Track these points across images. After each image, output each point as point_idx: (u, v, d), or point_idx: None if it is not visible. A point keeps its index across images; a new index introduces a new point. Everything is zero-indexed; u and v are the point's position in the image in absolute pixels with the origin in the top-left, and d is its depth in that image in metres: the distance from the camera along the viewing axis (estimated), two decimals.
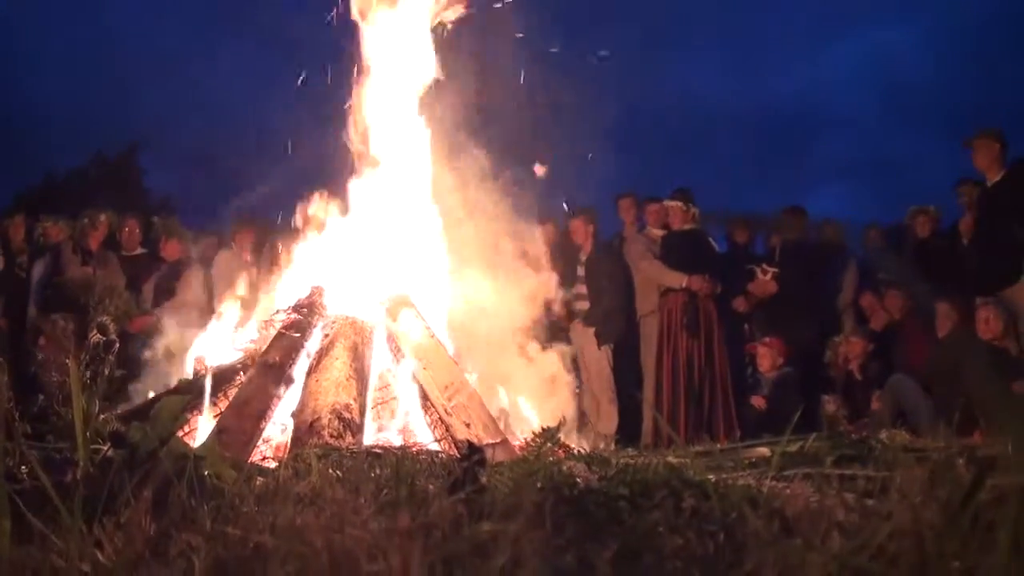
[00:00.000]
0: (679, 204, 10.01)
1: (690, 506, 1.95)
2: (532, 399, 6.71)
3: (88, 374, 3.04)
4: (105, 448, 2.72)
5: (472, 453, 2.18)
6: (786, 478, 2.78)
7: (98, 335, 3.12)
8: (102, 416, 3.19)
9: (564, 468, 2.42)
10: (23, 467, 3.25)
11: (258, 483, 2.67)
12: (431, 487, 2.15)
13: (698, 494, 2.01)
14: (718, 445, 5.66)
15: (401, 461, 2.42)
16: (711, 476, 2.46)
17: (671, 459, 3.05)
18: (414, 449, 4.18)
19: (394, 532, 1.48)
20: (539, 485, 2.09)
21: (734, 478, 2.54)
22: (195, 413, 5.27)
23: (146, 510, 1.91)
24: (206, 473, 2.62)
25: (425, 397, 5.68)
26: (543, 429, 2.60)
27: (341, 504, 1.77)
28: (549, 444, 2.54)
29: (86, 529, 1.83)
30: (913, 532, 1.60)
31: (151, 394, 6.08)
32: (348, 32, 7.05)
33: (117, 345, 3.16)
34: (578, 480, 2.17)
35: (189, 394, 5.37)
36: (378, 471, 2.62)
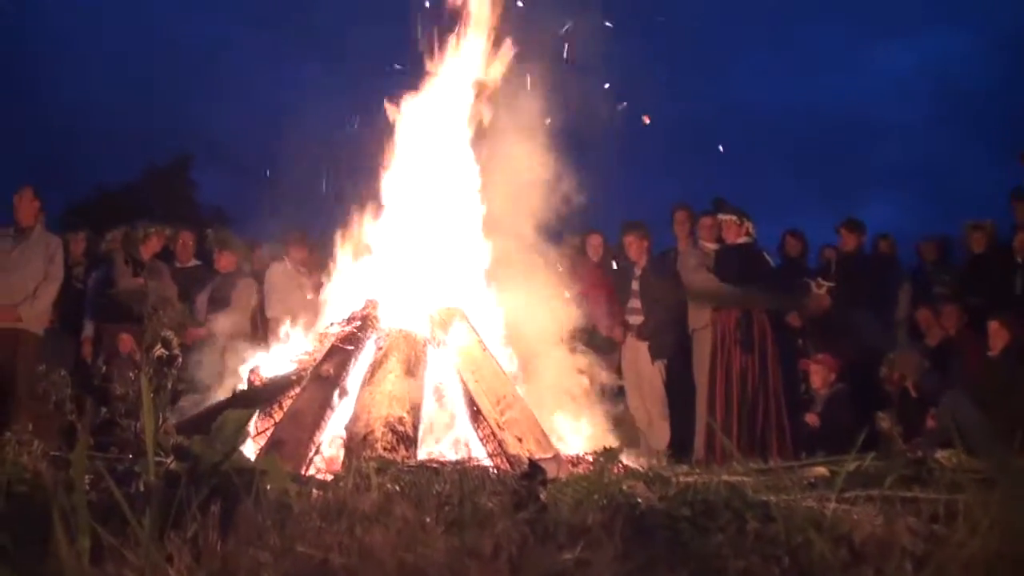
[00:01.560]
0: (733, 218, 9.92)
1: (754, 529, 1.93)
2: (582, 412, 6.70)
3: (151, 387, 3.08)
4: (168, 461, 2.75)
5: (534, 472, 2.18)
6: (848, 500, 2.76)
7: (161, 349, 3.17)
8: (163, 428, 3.23)
9: (624, 487, 2.42)
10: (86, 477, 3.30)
11: (317, 496, 2.70)
12: (492, 505, 2.15)
13: (761, 516, 2.00)
14: (772, 462, 5.61)
15: (464, 478, 2.43)
16: (772, 497, 2.45)
17: (729, 478, 3.03)
18: (469, 464, 4.19)
19: (464, 552, 1.49)
20: (600, 505, 2.09)
21: (796, 500, 2.52)
22: (256, 425, 5.33)
23: (214, 526, 1.93)
24: (268, 487, 2.65)
25: (477, 410, 5.68)
26: (605, 449, 2.59)
27: (408, 522, 1.79)
28: (609, 464, 2.53)
29: (157, 544, 1.86)
30: (985, 562, 1.58)
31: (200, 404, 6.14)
32: (402, 45, 7.11)
33: (180, 359, 3.21)
34: (639, 500, 2.16)
35: (245, 405, 5.44)
36: (438, 487, 2.63)
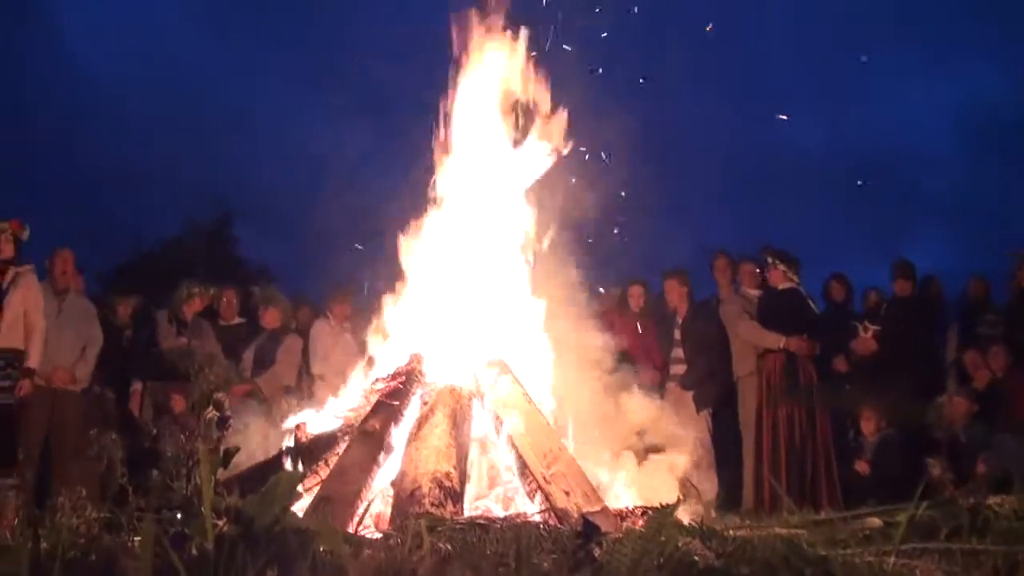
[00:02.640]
0: (771, 261, 9.89)
1: None
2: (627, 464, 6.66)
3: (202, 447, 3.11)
4: (221, 523, 2.76)
5: (589, 531, 2.17)
6: (906, 553, 2.72)
7: (213, 411, 3.19)
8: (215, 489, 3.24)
9: (679, 544, 2.40)
10: (135, 538, 3.32)
11: (370, 557, 2.69)
12: (547, 565, 2.14)
13: (822, 574, 1.98)
14: (823, 513, 5.55)
15: (519, 538, 2.42)
16: (829, 552, 2.42)
17: (783, 531, 2.99)
18: (518, 520, 4.17)
19: None
20: (656, 564, 2.07)
21: (854, 555, 2.49)
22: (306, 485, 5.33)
23: None
24: (321, 548, 2.65)
25: (523, 464, 5.66)
26: (661, 506, 2.57)
27: None
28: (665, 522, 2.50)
29: None
30: None
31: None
32: (441, 90, 7.18)
33: (231, 420, 3.24)
34: (696, 558, 2.14)
35: (291, 462, 5.47)
36: (492, 547, 2.62)
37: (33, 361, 8.78)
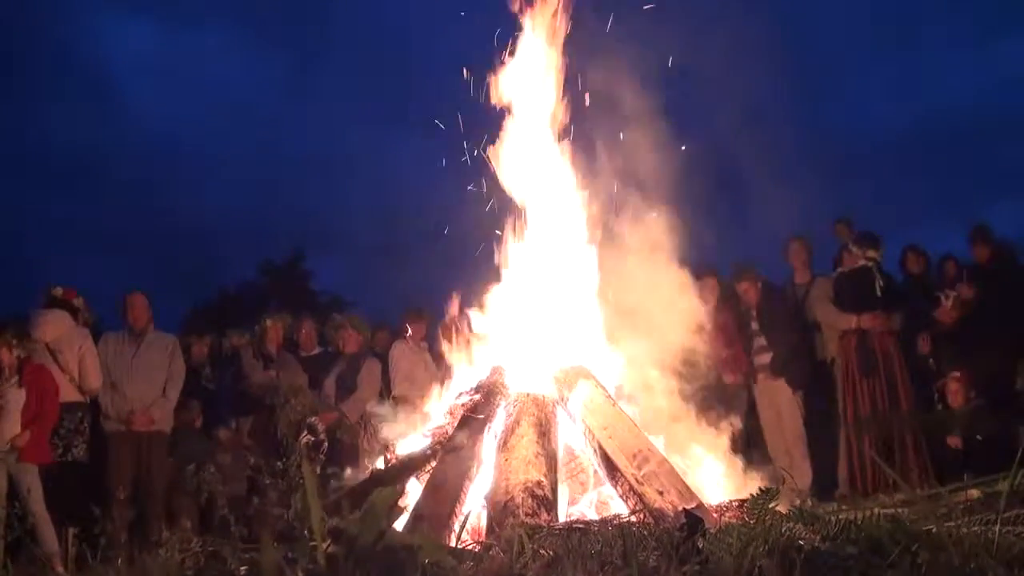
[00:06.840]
0: (846, 243, 9.89)
1: (926, 560, 1.90)
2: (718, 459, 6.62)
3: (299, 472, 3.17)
4: (324, 545, 2.81)
5: (691, 524, 2.17)
6: (1010, 520, 2.68)
7: (308, 436, 3.26)
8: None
9: (782, 530, 2.39)
10: (242, 568, 3.39)
11: (476, 568, 2.72)
12: (653, 560, 2.15)
13: (930, 547, 1.96)
14: (920, 489, 5.49)
15: (623, 537, 2.43)
16: (934, 526, 2.39)
17: (885, 509, 2.97)
18: (615, 522, 4.17)
19: None
20: (762, 551, 2.07)
21: (959, 526, 2.46)
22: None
23: None
24: (427, 562, 2.69)
25: (613, 467, 5.65)
26: (761, 491, 2.56)
27: None
28: (768, 505, 2.50)
29: None
30: None
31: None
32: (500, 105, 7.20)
33: (326, 444, 3.30)
34: (801, 543, 2.14)
35: (383, 483, 5.52)
36: (592, 549, 2.63)
37: None
